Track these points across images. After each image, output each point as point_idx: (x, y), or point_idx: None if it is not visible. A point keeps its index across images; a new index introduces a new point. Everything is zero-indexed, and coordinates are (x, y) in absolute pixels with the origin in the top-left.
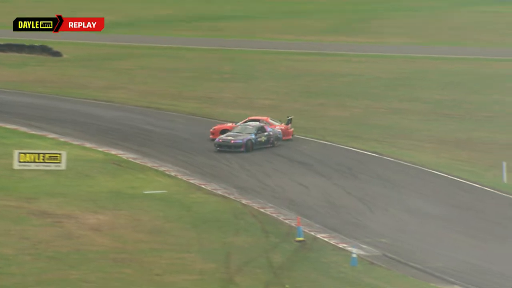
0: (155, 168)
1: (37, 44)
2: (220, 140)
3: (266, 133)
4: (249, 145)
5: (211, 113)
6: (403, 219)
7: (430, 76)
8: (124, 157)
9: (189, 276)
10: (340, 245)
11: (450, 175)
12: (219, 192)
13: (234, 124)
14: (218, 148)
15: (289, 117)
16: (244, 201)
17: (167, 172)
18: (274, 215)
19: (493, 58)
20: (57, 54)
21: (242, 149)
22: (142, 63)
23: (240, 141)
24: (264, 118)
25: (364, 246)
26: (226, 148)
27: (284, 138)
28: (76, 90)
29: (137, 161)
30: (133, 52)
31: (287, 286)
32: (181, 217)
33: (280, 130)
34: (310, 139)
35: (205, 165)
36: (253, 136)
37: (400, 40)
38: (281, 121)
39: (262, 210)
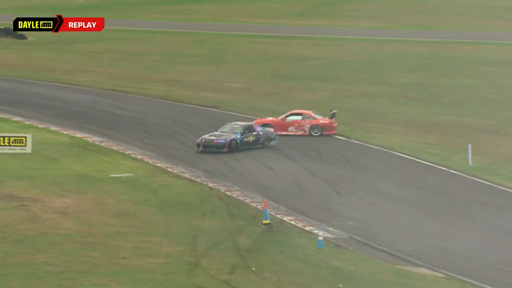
0: (121, 151)
1: (1, 27)
2: (203, 140)
3: (254, 133)
4: (233, 145)
5: (180, 97)
6: (370, 202)
7: (398, 60)
8: (90, 140)
9: (155, 259)
10: (307, 228)
11: (418, 158)
12: (186, 176)
13: (274, 118)
14: (200, 149)
15: (333, 111)
16: (211, 185)
17: (134, 155)
18: (241, 198)
19: (461, 41)
20: (21, 37)
21: (225, 150)
22: (109, 46)
23: (223, 141)
24: (307, 112)
25: (331, 229)
26: (209, 148)
27: (326, 133)
28: (42, 73)
29: (103, 144)
30: (101, 35)
31: (253, 268)
32: (148, 200)
33: (273, 130)
34: None
35: (172, 148)
36: (238, 136)
37: (370, 23)
38: (324, 115)
39: (229, 193)
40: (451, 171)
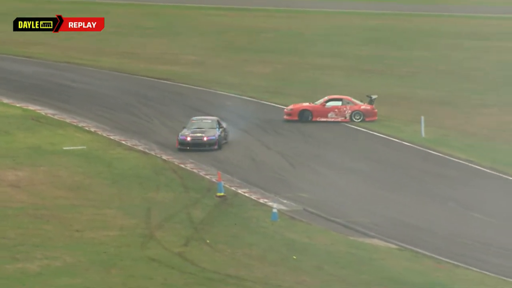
0: (75, 124)
1: None
2: (189, 138)
3: (223, 128)
4: (220, 141)
5: (134, 69)
6: (324, 174)
7: (352, 32)
8: (43, 113)
9: (109, 232)
10: (261, 200)
11: (372, 130)
12: (140, 148)
13: (311, 103)
14: (186, 148)
15: (373, 97)
16: (164, 157)
17: (87, 128)
18: (195, 171)
19: (414, 14)
20: None
21: (215, 147)
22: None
23: (214, 137)
24: (346, 97)
25: (285, 201)
26: (199, 146)
27: (368, 119)
28: None
29: (56, 117)
30: (54, 7)
31: (207, 241)
32: (101, 173)
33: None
34: (233, 95)
35: (126, 121)
36: (218, 132)
37: None
38: (362, 101)
39: (182, 166)
40: (404, 143)
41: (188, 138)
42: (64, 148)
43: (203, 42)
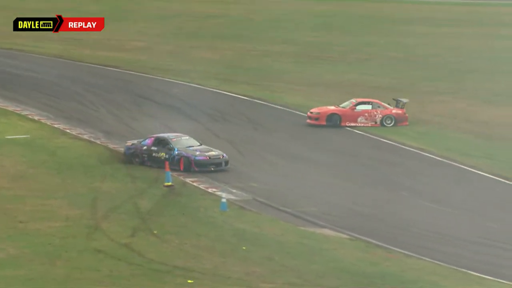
0: (18, 112)
1: None
2: (207, 158)
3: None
4: None
5: (78, 56)
6: (275, 163)
7: (302, 18)
8: None
9: (54, 222)
10: (210, 190)
11: None
12: (85, 137)
13: (337, 107)
14: (210, 169)
15: (404, 100)
16: (111, 146)
17: (30, 116)
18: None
19: None
20: None
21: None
22: (4, 3)
23: (225, 155)
24: (376, 100)
25: (234, 190)
26: (219, 166)
27: (400, 124)
28: None
29: None
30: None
31: (155, 231)
32: (45, 162)
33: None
34: (181, 82)
35: (71, 109)
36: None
37: None
38: (389, 104)
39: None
40: (355, 131)
41: (206, 158)
42: (7, 137)
43: (149, 28)
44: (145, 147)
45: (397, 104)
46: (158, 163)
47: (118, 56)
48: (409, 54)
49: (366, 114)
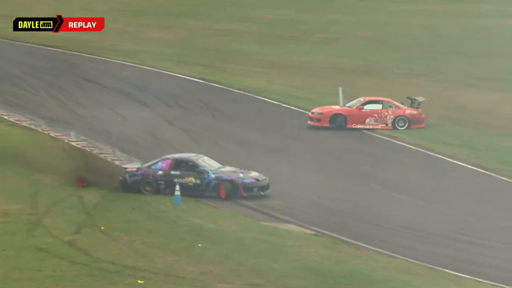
0: None
1: None
2: (254, 180)
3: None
4: None
5: (17, 35)
6: (233, 152)
7: None
8: None
9: None
10: None
11: (285, 103)
12: (24, 124)
13: (343, 106)
14: (260, 193)
15: (420, 99)
16: (53, 134)
17: None
18: (88, 149)
19: None
20: None
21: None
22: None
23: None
24: (388, 99)
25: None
26: (264, 189)
27: (414, 126)
28: None
29: None
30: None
31: (102, 228)
32: None
33: None
34: (130, 64)
35: (8, 93)
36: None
37: None
38: (402, 103)
39: (74, 144)
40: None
41: (253, 181)
42: None
43: (96, 4)
44: (160, 172)
45: (412, 103)
46: (183, 190)
47: (61, 35)
48: (379, 33)
49: (376, 115)
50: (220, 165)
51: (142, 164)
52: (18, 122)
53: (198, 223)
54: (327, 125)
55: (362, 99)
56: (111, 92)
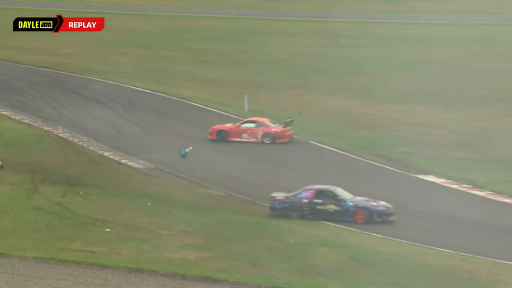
0: None
1: None
2: (386, 208)
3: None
4: None
5: (21, 59)
6: (172, 140)
7: (194, 31)
8: None
9: (3, 186)
10: (123, 161)
11: (208, 106)
12: (26, 121)
13: (232, 125)
14: (385, 219)
15: (289, 119)
16: (46, 128)
17: None
18: (70, 138)
19: (241, 17)
20: None
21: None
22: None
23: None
24: (261, 119)
25: (141, 161)
26: (391, 216)
27: (279, 141)
28: None
29: None
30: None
31: (80, 193)
32: None
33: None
34: (100, 79)
35: (14, 100)
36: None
37: (171, 2)
38: (274, 122)
39: (61, 135)
40: (231, 115)
41: (386, 209)
42: None
43: (75, 38)
44: (305, 200)
45: (286, 123)
46: (324, 216)
47: (51, 59)
48: (271, 57)
49: (250, 131)
50: (351, 195)
51: (288, 193)
52: (22, 120)
53: (148, 189)
54: (215, 137)
55: (244, 120)
56: (87, 99)
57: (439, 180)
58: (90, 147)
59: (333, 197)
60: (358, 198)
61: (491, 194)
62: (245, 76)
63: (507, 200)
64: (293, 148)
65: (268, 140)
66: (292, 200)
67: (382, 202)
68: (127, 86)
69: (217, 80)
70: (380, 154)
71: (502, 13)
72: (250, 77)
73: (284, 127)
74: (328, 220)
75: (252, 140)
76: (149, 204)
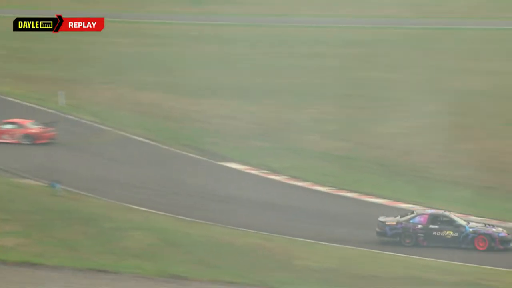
0: None
1: None
2: (507, 234)
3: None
4: None
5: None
6: None
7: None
8: None
9: None
10: None
11: (26, 102)
12: None
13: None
14: (507, 246)
15: (52, 122)
16: None
17: None
18: None
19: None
20: None
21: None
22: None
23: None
24: (20, 120)
25: None
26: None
27: (39, 141)
28: None
29: None
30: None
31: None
32: None
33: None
34: None
35: None
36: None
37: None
38: (35, 124)
39: None
40: (48, 110)
41: (500, 237)
42: None
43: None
44: (419, 226)
45: (47, 125)
46: (440, 242)
47: None
48: (85, 56)
49: (10, 133)
50: (465, 221)
51: (398, 218)
52: None
53: None
54: None
55: (4, 121)
56: None
57: (241, 167)
58: None
59: (449, 222)
60: (474, 223)
61: (286, 178)
62: (63, 73)
63: (300, 184)
64: (107, 138)
65: (27, 141)
66: (405, 226)
67: (499, 228)
68: None
69: (33, 77)
70: (188, 144)
71: (292, 15)
72: (63, 74)
73: (44, 128)
74: (445, 247)
75: (14, 141)
76: None
